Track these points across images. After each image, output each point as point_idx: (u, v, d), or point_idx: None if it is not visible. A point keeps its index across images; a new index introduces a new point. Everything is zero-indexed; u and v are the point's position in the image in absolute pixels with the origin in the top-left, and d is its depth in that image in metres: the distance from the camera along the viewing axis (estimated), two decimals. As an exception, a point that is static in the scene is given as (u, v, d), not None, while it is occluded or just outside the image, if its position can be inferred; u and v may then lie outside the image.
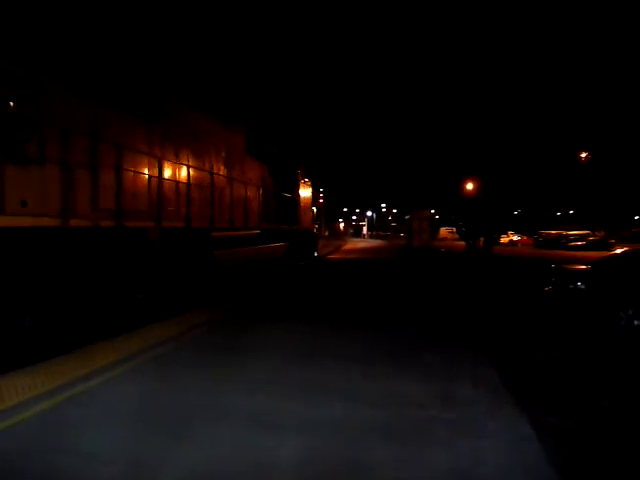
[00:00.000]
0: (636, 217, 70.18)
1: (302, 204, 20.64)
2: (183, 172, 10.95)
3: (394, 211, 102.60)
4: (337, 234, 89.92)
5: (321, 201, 26.18)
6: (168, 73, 13.35)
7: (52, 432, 4.42)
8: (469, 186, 31.94)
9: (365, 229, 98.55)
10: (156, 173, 9.86)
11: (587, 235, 47.95)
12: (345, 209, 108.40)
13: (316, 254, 25.59)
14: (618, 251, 16.40)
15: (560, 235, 49.17)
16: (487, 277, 18.49)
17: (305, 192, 21.31)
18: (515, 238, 55.09)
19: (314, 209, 24.41)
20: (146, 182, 9.56)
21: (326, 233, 75.28)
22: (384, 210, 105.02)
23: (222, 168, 12.84)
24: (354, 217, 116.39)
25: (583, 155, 33.56)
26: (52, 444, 4.19)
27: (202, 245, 11.54)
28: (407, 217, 53.09)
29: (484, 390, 5.64)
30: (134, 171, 9.22)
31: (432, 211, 47.05)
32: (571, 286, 10.62)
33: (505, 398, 5.42)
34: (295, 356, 7.04)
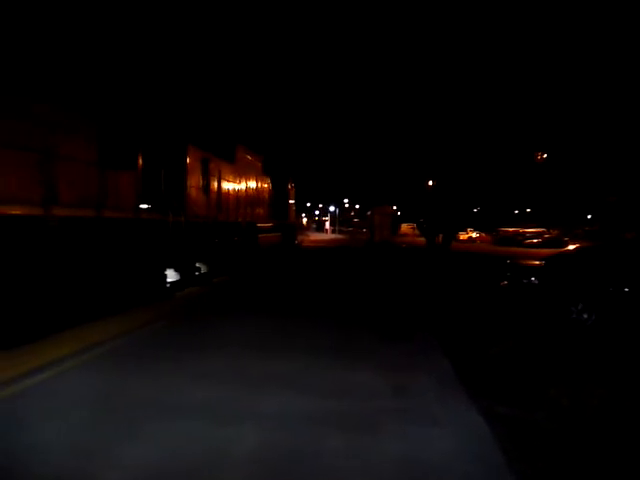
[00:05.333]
0: (589, 216, 72.55)
1: (290, 204, 27.95)
2: (246, 190, 18.26)
3: (357, 207, 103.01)
4: (301, 228, 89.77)
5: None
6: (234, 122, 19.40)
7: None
8: (430, 183, 32.43)
9: (328, 224, 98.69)
10: (243, 192, 17.59)
11: (542, 233, 49.46)
12: (308, 204, 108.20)
13: (296, 242, 33.12)
14: (570, 248, 16.93)
15: (517, 232, 50.55)
16: (445, 271, 18.78)
17: (291, 194, 28.53)
18: (474, 235, 56.20)
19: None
20: (239, 198, 17.07)
21: (289, 228, 74.90)
22: (347, 206, 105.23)
23: (256, 184, 19.90)
24: (317, 212, 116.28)
25: (539, 155, 34.41)
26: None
27: (255, 232, 19.12)
28: (369, 213, 53.35)
29: (437, 381, 5.72)
30: (237, 193, 16.78)
31: (394, 207, 47.38)
32: (525, 281, 10.88)
33: (458, 389, 5.52)
34: (255, 348, 7.02)
